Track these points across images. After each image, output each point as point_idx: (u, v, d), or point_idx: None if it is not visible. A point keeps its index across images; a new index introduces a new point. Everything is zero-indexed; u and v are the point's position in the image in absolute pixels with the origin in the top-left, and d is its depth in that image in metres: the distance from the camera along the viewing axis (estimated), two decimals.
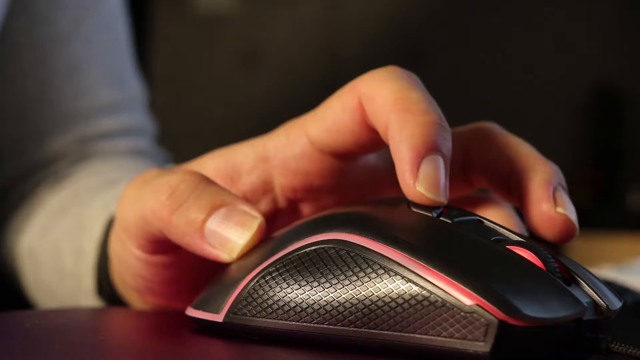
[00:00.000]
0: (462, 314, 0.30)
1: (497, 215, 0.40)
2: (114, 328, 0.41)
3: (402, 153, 0.34)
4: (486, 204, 0.40)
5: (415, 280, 0.31)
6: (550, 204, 0.36)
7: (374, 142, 0.38)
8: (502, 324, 0.29)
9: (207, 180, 0.38)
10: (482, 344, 0.30)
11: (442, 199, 0.34)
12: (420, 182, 0.33)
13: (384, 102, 0.35)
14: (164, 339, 0.36)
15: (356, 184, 0.41)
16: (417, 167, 0.33)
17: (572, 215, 0.36)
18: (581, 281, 0.33)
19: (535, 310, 0.30)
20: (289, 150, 0.39)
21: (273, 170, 0.40)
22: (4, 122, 0.61)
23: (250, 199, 0.40)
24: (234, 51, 2.52)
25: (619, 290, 0.48)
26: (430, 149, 0.34)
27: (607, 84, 2.41)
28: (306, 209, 0.41)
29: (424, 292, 0.31)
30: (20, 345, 0.32)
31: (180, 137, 2.06)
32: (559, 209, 0.36)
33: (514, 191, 0.37)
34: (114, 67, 0.64)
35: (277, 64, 2.52)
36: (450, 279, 0.30)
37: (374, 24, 2.49)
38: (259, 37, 2.52)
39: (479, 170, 0.39)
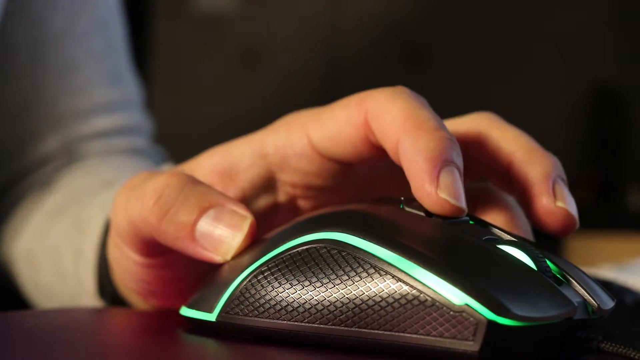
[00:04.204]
0: (451, 313, 0.30)
1: (495, 208, 0.39)
2: (110, 328, 0.41)
3: (419, 164, 0.34)
4: (485, 196, 0.40)
5: (405, 280, 0.31)
6: (550, 198, 0.36)
7: (374, 157, 0.38)
8: (491, 323, 0.30)
9: (193, 181, 0.38)
10: (471, 343, 0.30)
11: (464, 205, 0.34)
12: (442, 190, 0.33)
13: (394, 120, 0.35)
14: (158, 338, 0.36)
15: (357, 185, 0.41)
16: (436, 177, 0.33)
17: (572, 208, 0.36)
18: (573, 281, 0.33)
19: (525, 309, 0.30)
20: (289, 148, 0.39)
21: (272, 167, 0.39)
22: None
23: (250, 195, 0.40)
24: (234, 51, 2.52)
25: (619, 290, 0.48)
26: (446, 161, 0.34)
27: (607, 84, 2.41)
28: (306, 204, 0.41)
29: (414, 291, 0.31)
30: (19, 345, 0.32)
31: (180, 137, 2.06)
32: (559, 203, 0.36)
33: (514, 183, 0.37)
34: (110, 66, 0.64)
35: (278, 63, 2.52)
36: (439, 278, 0.30)
37: (375, 24, 2.48)
38: (259, 37, 2.52)
39: (477, 162, 0.39)
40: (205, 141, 0.41)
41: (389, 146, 0.36)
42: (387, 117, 0.36)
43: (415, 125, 0.35)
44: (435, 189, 0.33)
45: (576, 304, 0.31)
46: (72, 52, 0.62)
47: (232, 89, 2.51)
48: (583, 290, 0.32)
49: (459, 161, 0.34)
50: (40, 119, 0.61)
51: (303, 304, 0.33)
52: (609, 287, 0.47)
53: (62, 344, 0.33)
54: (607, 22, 2.40)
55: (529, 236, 0.39)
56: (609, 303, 0.33)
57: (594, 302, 0.32)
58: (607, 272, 0.53)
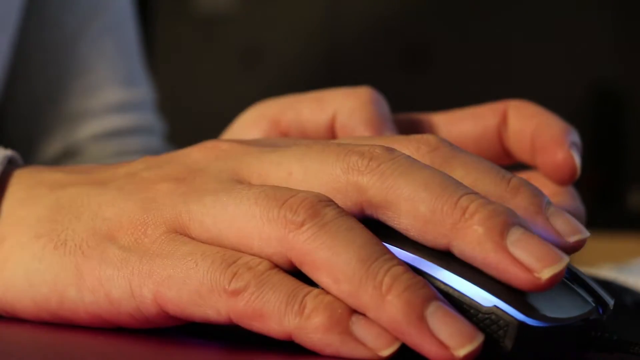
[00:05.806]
0: (479, 315, 0.30)
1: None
2: (106, 328, 0.40)
3: None
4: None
5: (432, 283, 0.31)
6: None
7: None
8: (521, 325, 0.30)
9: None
10: (501, 344, 0.30)
11: None
12: None
13: None
14: (156, 339, 0.35)
15: None
16: None
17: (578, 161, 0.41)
18: (581, 281, 0.33)
19: (551, 310, 0.30)
20: None
21: None
22: (14, 122, 0.62)
23: None
24: (234, 51, 2.52)
25: (619, 290, 0.48)
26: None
27: (607, 84, 2.41)
28: None
29: (442, 295, 0.30)
30: (12, 346, 0.32)
31: (180, 136, 2.06)
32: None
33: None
34: (123, 67, 0.64)
35: (277, 63, 2.52)
36: (464, 280, 0.30)
37: (375, 24, 2.49)
38: (259, 37, 2.52)
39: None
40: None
41: None
42: None
43: None
44: None
45: (593, 304, 0.32)
46: (85, 53, 0.63)
47: (232, 88, 2.52)
48: (592, 290, 0.32)
49: None
50: (55, 118, 0.62)
51: None
52: (609, 287, 0.47)
53: (52, 344, 0.33)
54: (607, 22, 2.41)
55: (582, 218, 0.42)
56: (611, 302, 0.33)
57: (605, 301, 0.32)
58: (607, 272, 0.53)
